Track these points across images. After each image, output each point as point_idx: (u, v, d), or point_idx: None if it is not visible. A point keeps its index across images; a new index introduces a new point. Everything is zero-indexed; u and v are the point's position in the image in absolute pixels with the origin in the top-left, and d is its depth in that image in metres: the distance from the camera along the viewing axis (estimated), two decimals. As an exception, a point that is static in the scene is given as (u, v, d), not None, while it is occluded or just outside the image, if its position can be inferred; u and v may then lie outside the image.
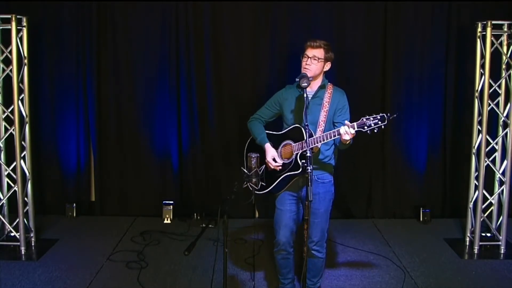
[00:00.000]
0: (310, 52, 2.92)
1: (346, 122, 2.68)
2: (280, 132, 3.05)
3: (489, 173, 4.13)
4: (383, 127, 2.62)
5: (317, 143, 2.79)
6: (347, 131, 2.64)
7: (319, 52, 2.91)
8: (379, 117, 2.61)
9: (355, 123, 2.65)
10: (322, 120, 2.91)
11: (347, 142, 2.74)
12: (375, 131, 2.63)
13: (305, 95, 2.80)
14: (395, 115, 2.65)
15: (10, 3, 4.26)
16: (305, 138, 2.79)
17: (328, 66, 2.98)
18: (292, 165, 2.92)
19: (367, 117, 2.64)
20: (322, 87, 2.99)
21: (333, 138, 2.75)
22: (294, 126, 2.95)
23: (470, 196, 4.15)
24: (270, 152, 3.00)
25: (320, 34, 4.37)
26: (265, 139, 3.05)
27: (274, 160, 2.97)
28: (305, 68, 2.91)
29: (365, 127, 2.63)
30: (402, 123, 4.68)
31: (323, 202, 3.00)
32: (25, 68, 3.91)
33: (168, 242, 4.26)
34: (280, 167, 2.97)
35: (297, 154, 2.90)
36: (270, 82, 4.51)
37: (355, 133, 2.68)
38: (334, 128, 2.87)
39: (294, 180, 2.96)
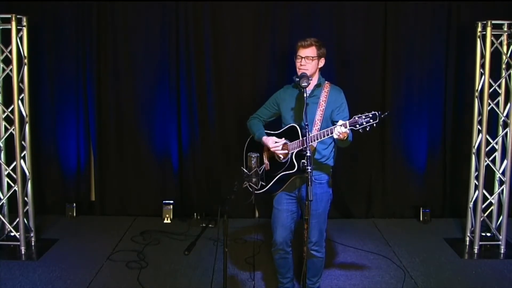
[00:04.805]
0: (302, 52, 2.91)
1: (339, 121, 2.67)
2: (276, 132, 3.04)
3: (489, 173, 4.14)
4: (375, 125, 2.60)
5: (312, 141, 2.79)
6: (339, 131, 2.64)
7: (311, 51, 2.91)
8: (370, 115, 2.61)
9: (347, 122, 2.64)
10: (318, 119, 2.91)
11: (345, 140, 2.73)
12: (367, 129, 2.62)
13: (305, 95, 2.80)
14: (386, 113, 2.63)
15: (10, 3, 4.26)
16: (300, 137, 2.79)
17: (322, 62, 2.98)
18: (287, 164, 2.92)
19: (359, 115, 2.63)
20: (318, 85, 2.99)
21: (326, 136, 2.74)
22: (290, 125, 2.95)
23: (470, 196, 4.15)
24: (270, 139, 2.98)
25: (320, 34, 4.36)
26: (263, 133, 3.05)
27: (276, 142, 2.94)
28: (300, 69, 2.91)
29: (357, 125, 2.62)
30: (402, 123, 4.68)
31: (321, 203, 2.99)
32: (25, 68, 3.92)
33: (168, 242, 4.26)
34: (285, 150, 2.94)
35: (292, 153, 2.90)
36: (270, 82, 4.51)
37: (349, 131, 2.68)
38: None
39: (291, 179, 2.96)
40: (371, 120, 2.60)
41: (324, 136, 2.75)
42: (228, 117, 4.68)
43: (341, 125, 2.63)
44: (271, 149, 2.98)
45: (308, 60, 2.90)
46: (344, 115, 2.92)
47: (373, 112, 2.61)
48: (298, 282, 3.28)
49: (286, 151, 2.94)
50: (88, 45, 4.56)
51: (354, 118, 2.64)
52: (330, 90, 2.98)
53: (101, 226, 4.60)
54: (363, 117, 2.62)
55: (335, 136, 2.67)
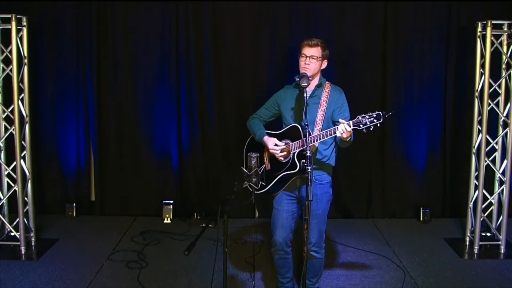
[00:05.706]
0: (307, 51, 2.92)
1: (341, 120, 2.68)
2: (278, 132, 3.04)
3: (489, 173, 4.14)
4: (378, 125, 2.63)
5: (314, 141, 2.80)
6: (343, 130, 2.65)
7: (317, 51, 2.91)
8: (374, 115, 2.62)
9: (350, 122, 2.66)
10: (320, 119, 2.91)
11: (347, 140, 2.74)
12: (371, 129, 2.63)
13: (305, 95, 2.80)
14: (390, 113, 2.66)
15: (10, 3, 4.26)
16: (302, 137, 2.79)
17: (325, 64, 2.99)
18: (289, 164, 2.92)
19: (363, 115, 2.65)
20: (319, 85, 2.99)
21: (329, 136, 2.75)
22: (292, 125, 2.95)
23: (470, 196, 4.15)
24: (270, 140, 2.98)
25: (320, 34, 4.36)
26: (264, 133, 3.05)
27: (276, 145, 2.94)
28: (304, 67, 2.91)
29: (361, 125, 2.64)
30: (402, 123, 4.68)
31: (321, 204, 2.99)
32: (25, 68, 3.92)
33: (168, 242, 4.26)
34: (284, 152, 2.94)
35: (294, 153, 2.90)
36: (270, 82, 4.51)
37: (352, 131, 2.69)
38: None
39: (292, 180, 2.96)
40: (375, 120, 2.61)
41: (327, 136, 2.75)
42: (228, 117, 4.68)
43: (344, 125, 2.64)
44: (270, 151, 2.98)
45: (313, 60, 2.91)
46: (345, 115, 2.92)
47: (377, 112, 2.62)
48: (298, 282, 3.28)
49: (285, 153, 2.93)
50: (88, 45, 4.56)
51: (358, 118, 2.65)
52: (331, 90, 2.98)
53: (101, 226, 4.60)
54: (367, 117, 2.63)
55: (339, 135, 2.68)
